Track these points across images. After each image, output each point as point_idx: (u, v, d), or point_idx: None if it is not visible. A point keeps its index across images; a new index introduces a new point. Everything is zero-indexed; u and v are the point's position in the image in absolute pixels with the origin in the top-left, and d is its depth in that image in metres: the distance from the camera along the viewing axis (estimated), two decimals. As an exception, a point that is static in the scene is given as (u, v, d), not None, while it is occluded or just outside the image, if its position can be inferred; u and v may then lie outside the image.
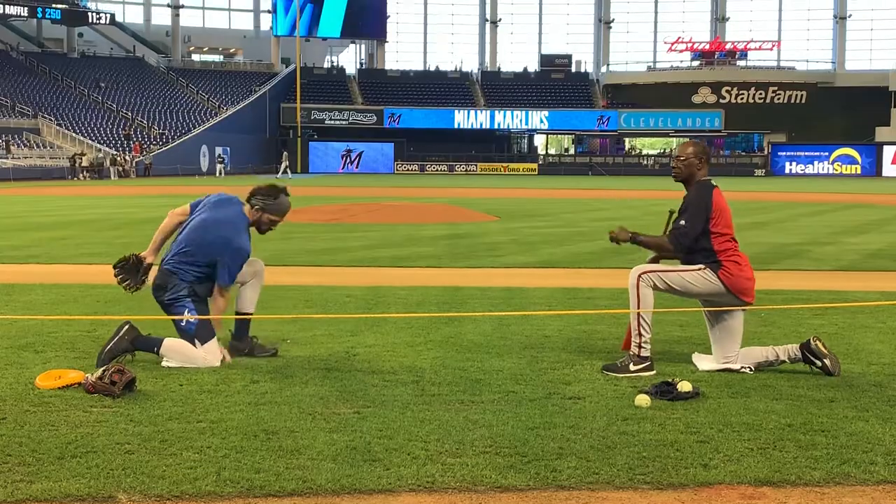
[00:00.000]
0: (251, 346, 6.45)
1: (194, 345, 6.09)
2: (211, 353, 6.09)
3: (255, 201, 6.37)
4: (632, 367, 5.92)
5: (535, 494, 3.87)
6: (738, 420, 4.88)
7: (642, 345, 5.97)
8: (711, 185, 6.15)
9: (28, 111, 67.85)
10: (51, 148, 62.95)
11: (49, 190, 39.75)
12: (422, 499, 3.83)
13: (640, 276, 6.02)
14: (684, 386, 5.33)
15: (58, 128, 66.81)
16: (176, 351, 6.08)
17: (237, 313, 6.50)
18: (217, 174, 64.34)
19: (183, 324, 6.15)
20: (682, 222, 6.06)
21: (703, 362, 6.16)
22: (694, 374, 5.92)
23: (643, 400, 5.14)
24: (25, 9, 74.73)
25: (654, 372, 5.91)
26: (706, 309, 6.23)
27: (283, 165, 63.13)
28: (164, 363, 6.03)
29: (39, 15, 76.28)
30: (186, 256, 6.27)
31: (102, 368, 5.36)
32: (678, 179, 6.27)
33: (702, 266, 6.01)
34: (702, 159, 6.16)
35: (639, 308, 5.98)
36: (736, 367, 6.01)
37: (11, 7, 73.84)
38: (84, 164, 58.77)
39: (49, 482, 3.87)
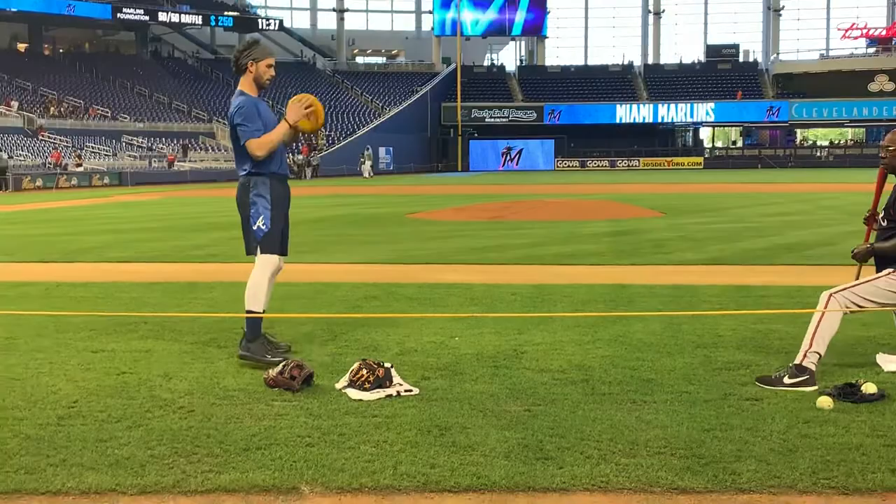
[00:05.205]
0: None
1: (257, 251, 6.33)
2: (266, 262, 6.34)
3: (243, 60, 6.35)
4: (786, 381, 5.38)
5: (714, 497, 3.79)
6: (930, 425, 4.64)
7: (808, 354, 5.47)
8: None
9: (203, 116, 71.10)
10: (225, 151, 65.68)
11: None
12: (597, 499, 3.80)
13: (830, 296, 5.58)
14: (869, 387, 5.11)
15: (231, 131, 69.69)
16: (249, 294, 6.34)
17: (248, 311, 6.40)
18: (366, 174, 63.61)
19: (254, 227, 6.34)
20: None
21: (889, 363, 5.86)
22: (879, 376, 5.63)
23: (825, 402, 4.95)
24: (199, 17, 78.32)
25: (815, 387, 5.33)
26: None
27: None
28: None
29: (213, 23, 79.81)
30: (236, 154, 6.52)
31: (282, 363, 5.56)
32: (888, 171, 5.93)
33: (891, 269, 5.62)
34: None
35: (818, 324, 5.53)
36: (925, 368, 5.69)
37: (187, 16, 77.54)
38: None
39: (236, 473, 4.04)
